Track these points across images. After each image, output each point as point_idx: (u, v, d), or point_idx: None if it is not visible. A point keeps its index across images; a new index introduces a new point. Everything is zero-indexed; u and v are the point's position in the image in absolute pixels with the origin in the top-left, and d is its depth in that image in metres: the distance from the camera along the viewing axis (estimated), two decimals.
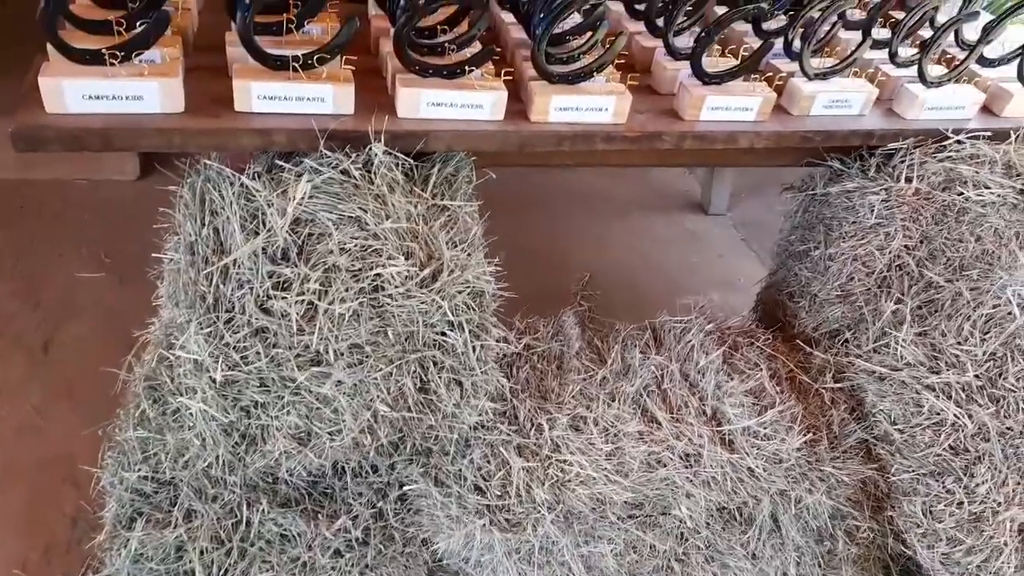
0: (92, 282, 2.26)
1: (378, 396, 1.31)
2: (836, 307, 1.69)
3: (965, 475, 1.42)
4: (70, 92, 1.13)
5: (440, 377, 1.36)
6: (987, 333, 1.45)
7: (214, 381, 1.21)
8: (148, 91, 1.17)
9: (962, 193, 1.56)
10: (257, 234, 1.20)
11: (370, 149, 1.30)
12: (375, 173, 1.30)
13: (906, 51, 1.74)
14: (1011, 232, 1.55)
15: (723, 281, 2.83)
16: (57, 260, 2.33)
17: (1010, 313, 1.45)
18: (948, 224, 1.58)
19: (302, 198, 1.22)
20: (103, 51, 1.14)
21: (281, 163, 1.28)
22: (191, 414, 1.28)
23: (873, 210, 1.61)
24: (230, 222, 1.20)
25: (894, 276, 1.61)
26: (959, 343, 1.46)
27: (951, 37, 1.82)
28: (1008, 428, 1.40)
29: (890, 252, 1.59)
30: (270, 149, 1.29)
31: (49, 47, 1.15)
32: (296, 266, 1.21)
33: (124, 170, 2.65)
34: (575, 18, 1.58)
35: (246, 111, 1.26)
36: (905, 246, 1.60)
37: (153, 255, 1.35)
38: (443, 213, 1.39)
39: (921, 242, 1.60)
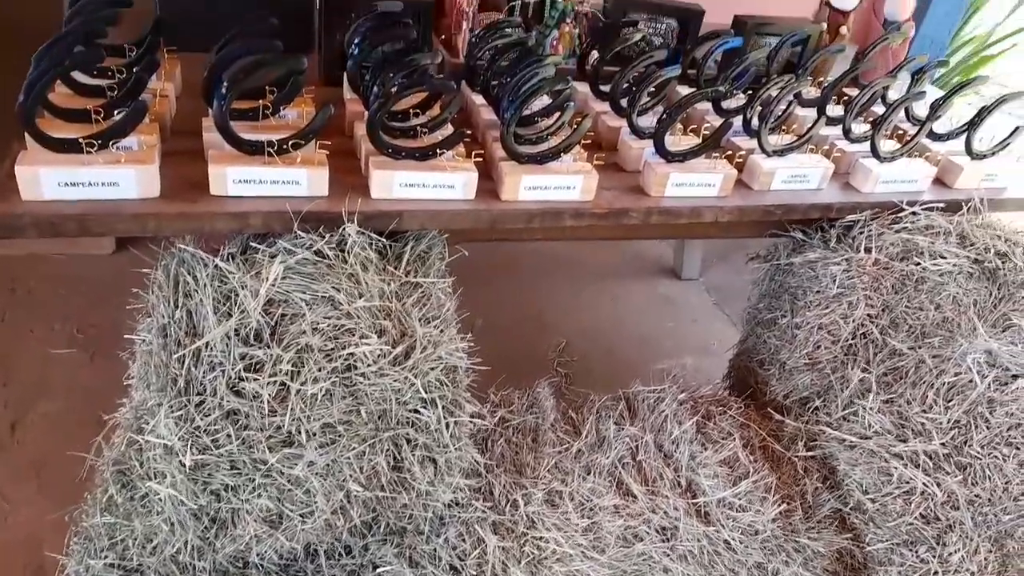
0: (63, 359, 2.24)
1: (351, 476, 1.30)
2: (805, 375, 1.72)
3: (938, 544, 1.43)
4: (47, 180, 1.15)
5: (414, 455, 1.35)
6: (950, 401, 1.48)
7: (184, 465, 1.20)
8: (124, 178, 1.19)
9: (919, 263, 1.62)
10: (230, 316, 1.21)
11: (344, 229, 1.33)
12: (349, 252, 1.33)
13: (859, 127, 1.83)
14: (969, 300, 1.60)
15: (697, 346, 2.86)
16: (28, 336, 2.31)
17: (971, 381, 1.48)
18: (908, 293, 1.63)
19: (275, 280, 1.23)
20: (80, 140, 1.16)
21: (255, 245, 1.30)
22: (160, 499, 1.26)
23: (835, 280, 1.65)
24: (203, 304, 1.21)
25: (859, 344, 1.65)
26: (924, 411, 1.49)
27: (902, 112, 1.91)
28: (976, 496, 1.42)
29: (854, 321, 1.64)
30: (245, 231, 1.31)
31: (27, 136, 1.17)
32: (269, 347, 1.22)
33: (101, 244, 2.65)
34: (543, 99, 1.65)
35: (222, 195, 1.28)
36: (868, 315, 1.64)
37: (126, 332, 1.35)
38: (416, 290, 1.41)
39: (883, 310, 1.65)
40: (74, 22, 1.26)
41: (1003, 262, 1.62)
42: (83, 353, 2.28)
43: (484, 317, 2.55)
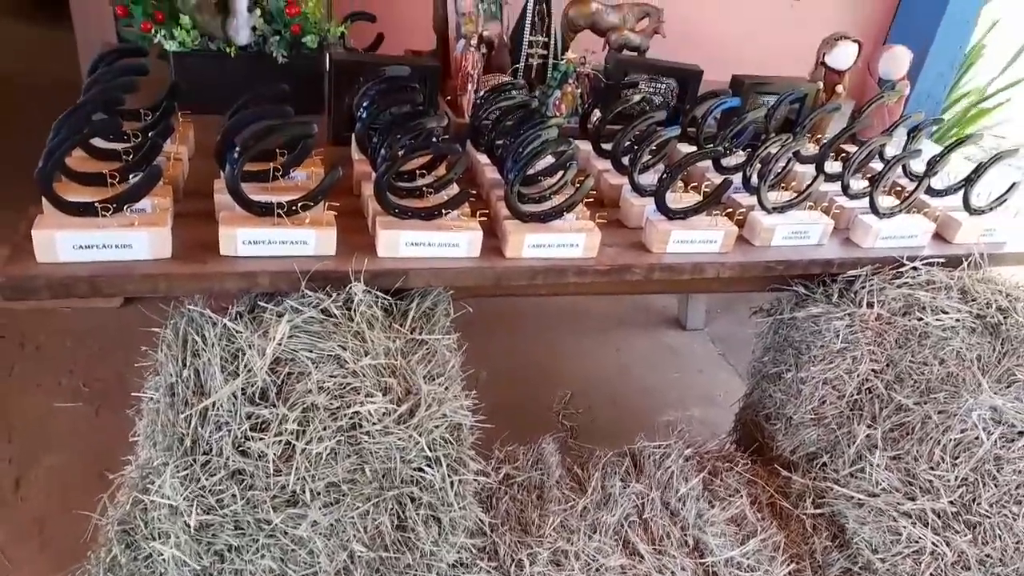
0: (68, 413, 2.24)
1: (354, 536, 1.29)
2: (811, 430, 1.71)
3: None
4: (62, 243, 1.18)
5: (418, 514, 1.35)
6: (957, 458, 1.47)
7: (189, 526, 1.20)
8: (137, 240, 1.22)
9: (922, 318, 1.63)
10: (237, 375, 1.22)
11: (351, 288, 1.35)
12: (355, 311, 1.35)
13: (858, 183, 1.86)
14: (972, 355, 1.61)
15: (703, 397, 2.85)
16: (35, 390, 2.32)
17: (977, 438, 1.47)
18: (911, 348, 1.64)
19: (282, 339, 1.25)
20: (96, 204, 1.19)
21: (263, 304, 1.31)
22: (164, 559, 1.25)
23: (839, 335, 1.66)
24: (211, 364, 1.22)
25: (864, 399, 1.65)
26: (931, 468, 1.48)
27: (900, 168, 1.94)
28: (987, 555, 1.40)
29: (858, 376, 1.64)
30: (253, 290, 1.33)
31: (44, 200, 1.21)
32: (275, 406, 1.22)
33: (109, 298, 2.68)
34: (547, 158, 1.68)
35: (231, 255, 1.31)
36: (873, 369, 1.64)
37: (131, 386, 1.36)
38: (421, 347, 1.42)
39: (887, 365, 1.65)
40: (93, 90, 1.31)
41: (1005, 317, 1.62)
42: (88, 407, 2.28)
43: (489, 367, 2.55)
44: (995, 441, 1.45)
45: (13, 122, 3.85)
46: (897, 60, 2.17)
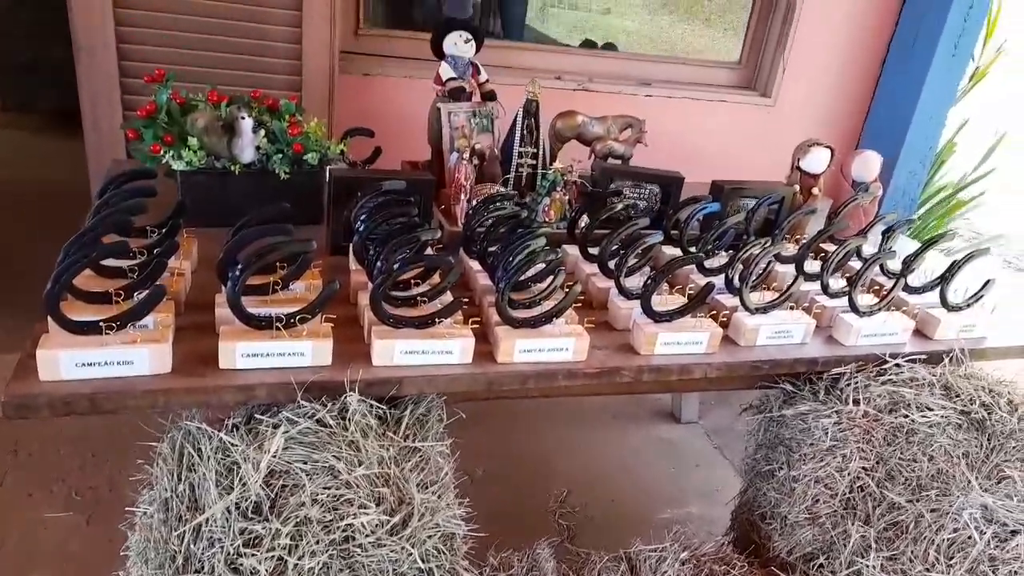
0: (59, 524, 2.22)
1: None
2: (806, 530, 1.70)
3: None
4: (65, 362, 1.22)
5: None
6: (952, 559, 1.47)
7: None
8: (138, 357, 1.26)
9: (908, 415, 1.65)
10: (231, 489, 1.23)
11: (345, 398, 1.38)
12: (350, 420, 1.37)
13: (837, 283, 1.92)
14: (959, 452, 1.62)
15: (701, 492, 2.83)
16: (26, 501, 2.30)
17: (970, 537, 1.47)
18: (900, 445, 1.66)
19: (276, 451, 1.27)
20: (100, 323, 1.24)
21: (259, 417, 1.34)
22: None
23: (827, 433, 1.68)
24: (206, 479, 1.24)
25: (857, 497, 1.65)
26: (927, 570, 1.47)
27: (877, 267, 2.01)
28: None
29: (849, 474, 1.65)
30: (251, 403, 1.36)
31: (49, 320, 1.25)
32: (268, 520, 1.23)
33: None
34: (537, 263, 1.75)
35: (230, 368, 1.34)
36: (863, 467, 1.66)
37: (123, 494, 1.36)
38: (415, 454, 1.44)
39: (878, 463, 1.66)
40: (102, 213, 1.38)
41: (989, 413, 1.65)
42: (79, 516, 2.25)
43: (483, 463, 2.54)
44: (988, 541, 1.45)
45: (24, 226, 3.97)
46: (868, 164, 2.28)
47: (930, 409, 1.66)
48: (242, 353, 1.34)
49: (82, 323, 1.25)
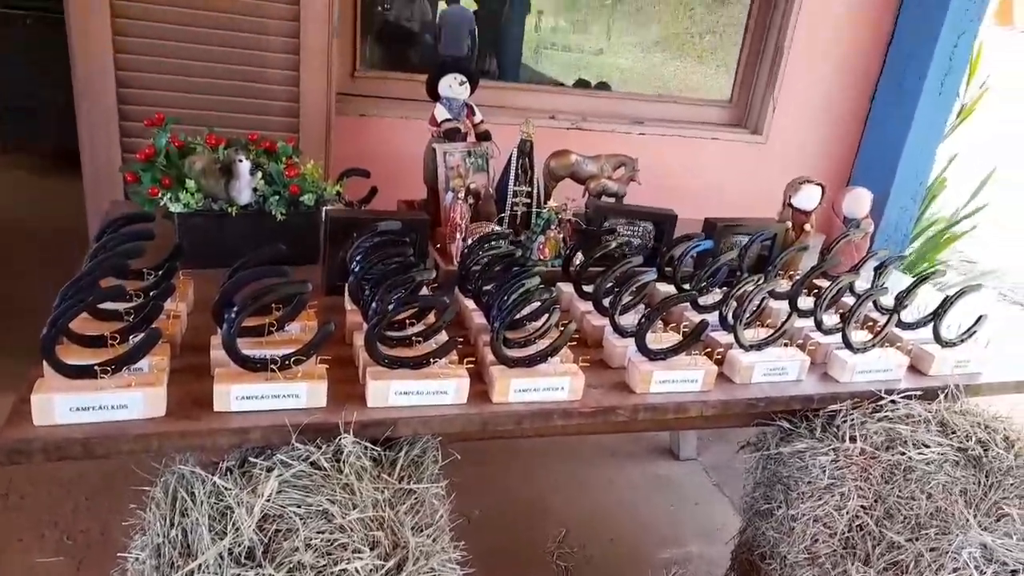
0: (50, 568, 2.18)
1: None
2: (806, 570, 1.69)
3: None
4: (60, 406, 1.22)
5: None
6: None
7: None
8: (133, 400, 1.25)
9: (905, 452, 1.65)
10: (224, 534, 1.22)
11: (340, 440, 1.38)
12: (344, 462, 1.36)
13: (830, 319, 1.93)
14: (957, 489, 1.62)
15: (701, 531, 2.80)
16: (16, 546, 2.26)
17: None
18: (898, 482, 1.65)
19: (270, 495, 1.26)
20: (95, 367, 1.24)
21: (253, 460, 1.33)
22: None
23: (825, 471, 1.68)
24: (199, 523, 1.23)
25: (856, 537, 1.64)
26: None
27: (871, 303, 2.03)
28: None
29: (848, 512, 1.64)
30: (245, 445, 1.36)
31: (45, 364, 1.25)
32: (261, 567, 1.22)
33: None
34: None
35: (224, 410, 1.34)
36: (862, 506, 1.64)
37: (115, 538, 1.35)
38: (410, 496, 1.43)
39: (876, 501, 1.65)
40: (99, 257, 1.39)
41: (985, 450, 1.65)
42: (71, 561, 2.22)
43: (480, 503, 2.51)
44: None
45: (24, 266, 3.99)
46: (859, 201, 2.31)
47: (927, 446, 1.66)
48: (236, 395, 1.34)
49: (77, 367, 1.25)
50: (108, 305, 1.47)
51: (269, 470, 1.32)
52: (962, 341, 1.91)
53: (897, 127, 3.18)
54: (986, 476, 1.64)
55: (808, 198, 2.29)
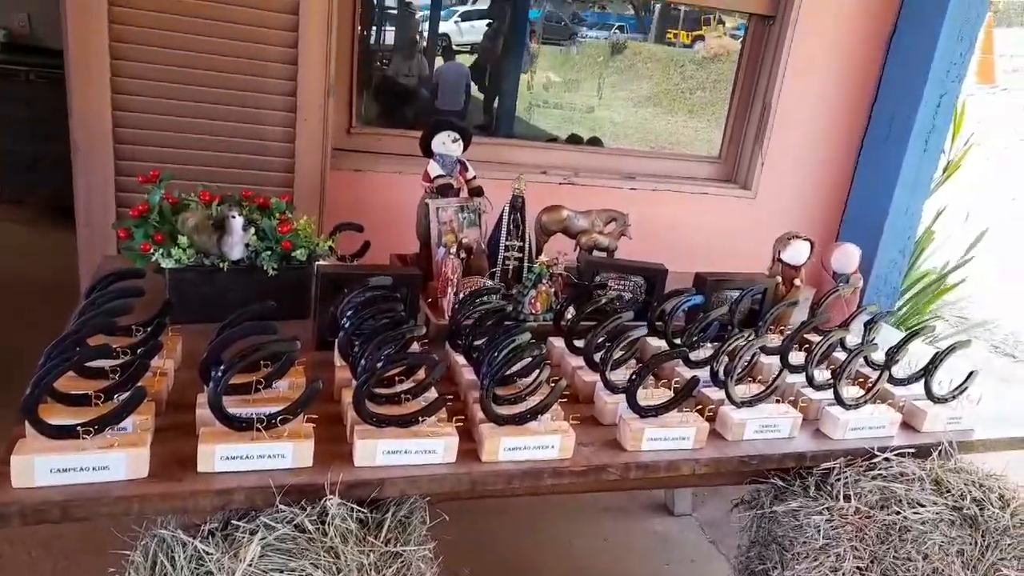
0: None
1: None
2: None
3: None
4: (40, 468, 1.20)
5: None
6: None
7: None
8: (115, 462, 1.23)
9: (899, 511, 1.63)
10: None
11: (325, 501, 1.35)
12: (329, 525, 1.34)
13: (822, 374, 1.92)
14: (954, 550, 1.59)
15: None
16: None
17: None
18: (894, 543, 1.62)
19: (252, 560, 1.23)
20: (78, 428, 1.22)
21: (236, 523, 1.31)
22: None
23: (820, 530, 1.65)
24: None
25: None
26: None
27: (862, 358, 2.02)
28: None
29: (844, 574, 1.61)
30: (228, 507, 1.33)
31: (27, 424, 1.24)
32: None
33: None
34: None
35: (208, 471, 1.32)
36: (858, 567, 1.62)
37: None
38: (396, 560, 1.40)
39: (872, 562, 1.62)
40: (86, 315, 1.39)
41: (981, 509, 1.63)
42: None
43: (469, 562, 2.45)
44: None
45: (15, 320, 3.96)
46: (848, 256, 2.33)
47: (922, 505, 1.64)
48: (221, 456, 1.32)
49: (60, 427, 1.23)
50: (95, 362, 1.46)
51: (252, 533, 1.29)
52: (954, 397, 1.91)
53: (883, 185, 3.23)
54: (982, 536, 1.62)
55: (797, 253, 2.31)
